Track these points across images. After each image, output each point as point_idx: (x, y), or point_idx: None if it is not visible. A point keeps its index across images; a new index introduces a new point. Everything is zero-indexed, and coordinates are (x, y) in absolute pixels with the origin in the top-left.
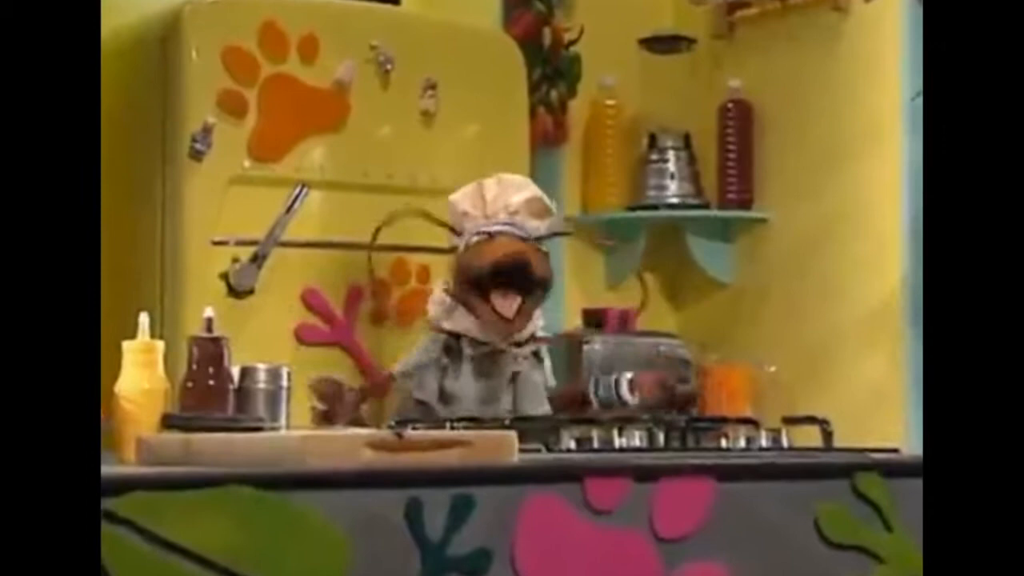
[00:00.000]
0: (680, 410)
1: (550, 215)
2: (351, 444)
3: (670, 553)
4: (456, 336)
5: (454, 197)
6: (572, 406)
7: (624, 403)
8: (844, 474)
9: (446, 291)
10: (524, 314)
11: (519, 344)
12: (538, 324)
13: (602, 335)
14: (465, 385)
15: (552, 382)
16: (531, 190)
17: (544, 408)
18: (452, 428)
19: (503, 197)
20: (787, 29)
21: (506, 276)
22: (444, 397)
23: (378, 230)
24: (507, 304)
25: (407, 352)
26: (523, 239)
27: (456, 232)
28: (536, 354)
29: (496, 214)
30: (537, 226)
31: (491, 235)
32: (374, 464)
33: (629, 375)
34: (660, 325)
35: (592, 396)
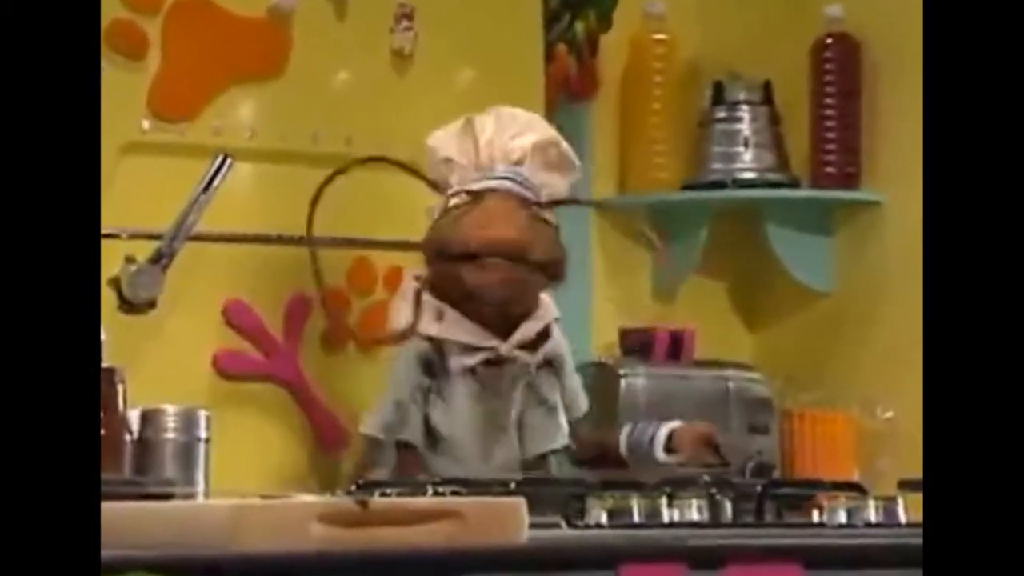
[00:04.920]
0: (755, 474)
1: (569, 169)
2: (299, 516)
3: None
4: (439, 346)
5: (434, 139)
6: (595, 460)
7: (656, 462)
8: None
9: (417, 282)
10: (518, 283)
11: (526, 347)
12: (551, 316)
13: (647, 365)
14: (458, 415)
15: (584, 406)
16: (540, 130)
17: (556, 443)
18: (436, 493)
19: (501, 139)
20: None
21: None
22: (430, 435)
23: (319, 193)
24: (487, 276)
25: (376, 392)
26: (525, 200)
27: (438, 188)
28: (551, 363)
29: (491, 164)
30: (550, 182)
31: (477, 194)
32: (330, 544)
33: (669, 426)
34: (731, 352)
35: (622, 447)
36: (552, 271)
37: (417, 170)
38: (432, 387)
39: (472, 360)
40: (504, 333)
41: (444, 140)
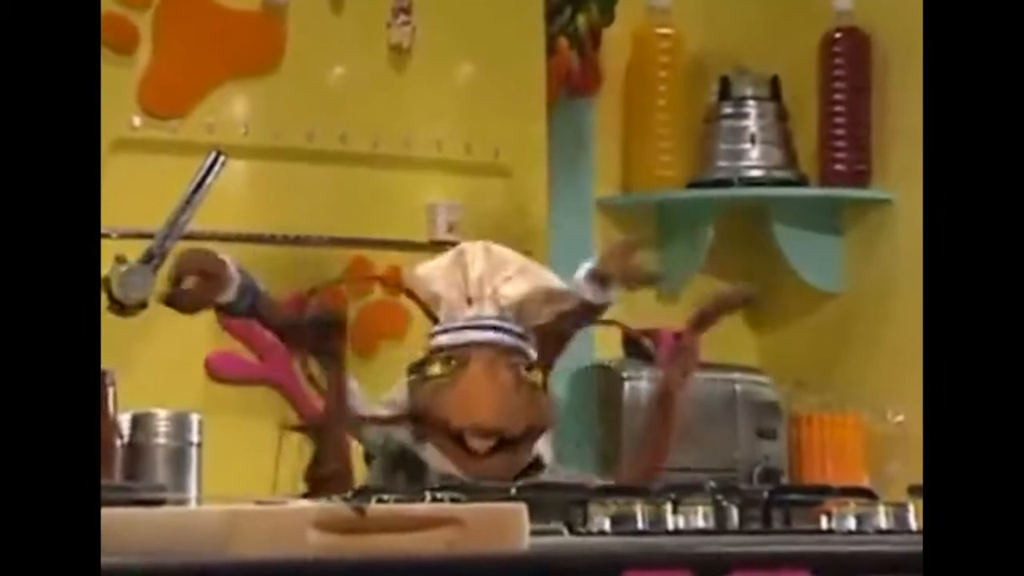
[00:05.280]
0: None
1: (563, 302)
2: (294, 523)
3: None
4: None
5: (424, 271)
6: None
7: (587, 301)
8: None
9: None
10: (507, 454)
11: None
12: (541, 451)
13: (652, 368)
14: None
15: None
16: (532, 278)
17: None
18: (436, 500)
19: (492, 280)
20: None
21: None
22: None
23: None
24: (481, 443)
25: (371, 397)
26: (513, 350)
27: (432, 317)
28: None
29: (480, 300)
30: (544, 315)
31: (460, 356)
32: (326, 551)
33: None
34: (737, 355)
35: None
36: (539, 432)
37: (421, 302)
38: (408, 477)
39: (447, 483)
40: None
41: (432, 272)
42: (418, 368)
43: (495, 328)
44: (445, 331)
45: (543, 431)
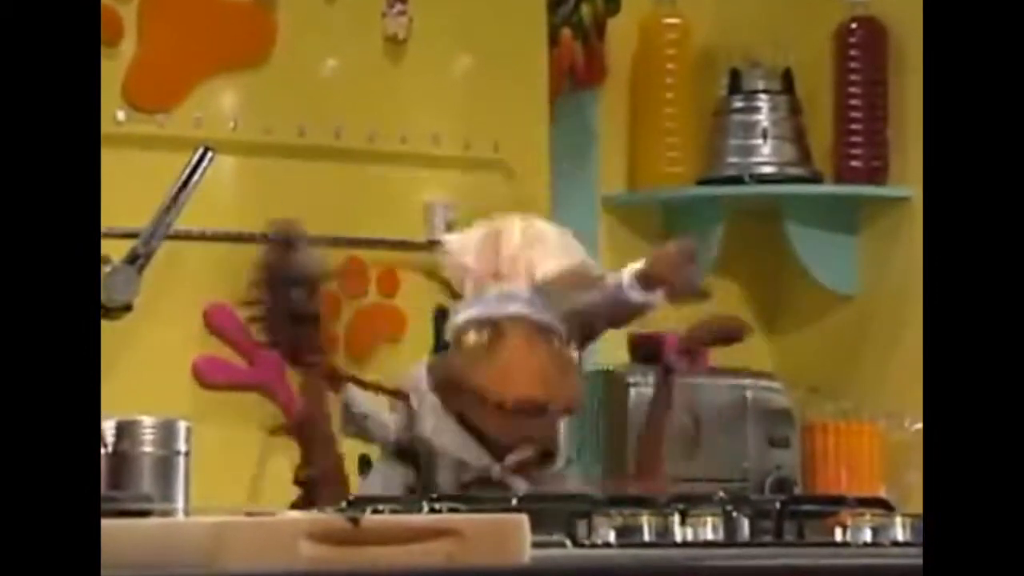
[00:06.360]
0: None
1: (599, 288)
2: (286, 534)
3: None
4: (429, 448)
5: (454, 243)
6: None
7: (630, 304)
8: None
9: (423, 381)
10: (533, 465)
11: (526, 467)
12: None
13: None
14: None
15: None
16: (570, 254)
17: None
18: (433, 510)
19: (526, 256)
20: None
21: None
22: None
23: None
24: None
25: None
26: (546, 329)
27: (455, 294)
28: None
29: (512, 277)
30: (578, 300)
31: (495, 326)
32: (319, 563)
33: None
34: (748, 359)
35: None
36: (566, 414)
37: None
38: (416, 486)
39: (461, 478)
40: (501, 452)
41: (463, 246)
42: (446, 342)
43: (527, 302)
44: (475, 303)
45: (572, 412)
